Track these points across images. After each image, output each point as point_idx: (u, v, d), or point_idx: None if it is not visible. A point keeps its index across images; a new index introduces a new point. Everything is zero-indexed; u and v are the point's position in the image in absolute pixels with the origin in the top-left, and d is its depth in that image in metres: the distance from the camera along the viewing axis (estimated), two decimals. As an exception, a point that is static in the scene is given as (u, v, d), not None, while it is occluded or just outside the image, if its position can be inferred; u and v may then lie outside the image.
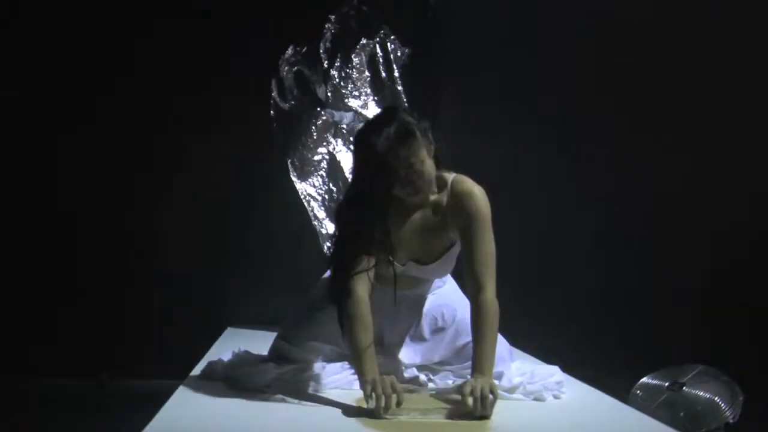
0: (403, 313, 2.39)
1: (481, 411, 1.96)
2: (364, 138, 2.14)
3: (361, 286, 2.14)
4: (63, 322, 3.70)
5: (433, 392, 2.21)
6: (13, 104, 3.75)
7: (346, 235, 2.17)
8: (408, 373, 2.38)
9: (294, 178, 3.55)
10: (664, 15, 3.81)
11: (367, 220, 2.13)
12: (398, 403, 1.96)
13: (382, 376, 2.01)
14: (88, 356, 3.67)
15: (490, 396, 1.98)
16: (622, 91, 3.81)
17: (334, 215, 2.30)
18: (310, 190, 3.57)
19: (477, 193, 2.22)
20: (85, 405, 3.38)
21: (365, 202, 2.12)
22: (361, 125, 2.44)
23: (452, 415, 2.00)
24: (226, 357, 2.45)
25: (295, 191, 3.58)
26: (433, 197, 2.27)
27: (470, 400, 1.96)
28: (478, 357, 2.10)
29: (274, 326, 2.59)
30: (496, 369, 2.21)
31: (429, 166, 2.15)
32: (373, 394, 1.96)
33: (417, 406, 2.04)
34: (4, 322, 3.65)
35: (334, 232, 2.26)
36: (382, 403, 1.95)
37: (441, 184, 2.26)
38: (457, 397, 2.04)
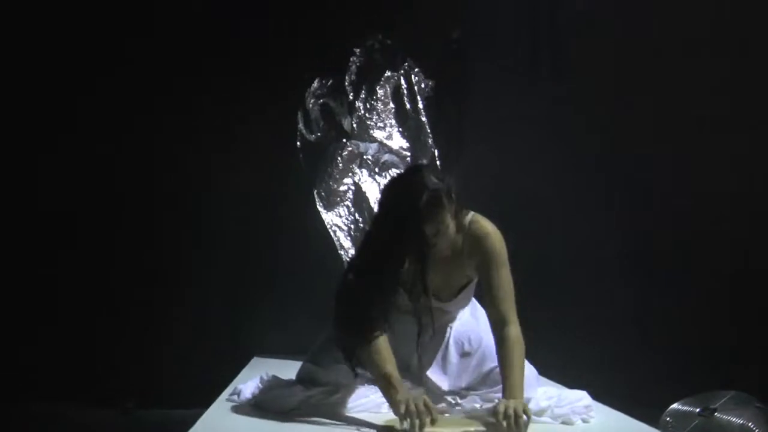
0: (427, 342, 2.40)
1: (514, 430, 1.98)
2: (393, 208, 2.17)
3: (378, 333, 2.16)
4: (88, 351, 3.72)
5: (465, 414, 2.20)
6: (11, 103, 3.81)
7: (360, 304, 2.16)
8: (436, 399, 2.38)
9: (320, 209, 3.59)
10: (686, 33, 3.84)
11: (381, 290, 2.15)
12: (433, 421, 1.98)
13: (414, 395, 2.02)
14: (114, 385, 3.68)
15: (524, 416, 1.99)
16: (643, 111, 3.83)
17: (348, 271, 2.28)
18: (336, 220, 3.60)
19: (492, 233, 2.30)
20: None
21: (383, 272, 2.14)
22: (389, 169, 2.48)
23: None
24: (254, 382, 2.46)
25: (321, 221, 3.61)
26: None
27: (503, 420, 1.98)
28: (509, 384, 2.13)
29: (300, 355, 2.59)
30: (525, 395, 2.23)
31: (452, 227, 2.21)
32: (407, 414, 1.97)
33: (450, 428, 2.04)
34: (27, 348, 3.68)
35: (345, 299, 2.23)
36: (416, 421, 1.96)
37: (458, 224, 2.29)
38: (491, 419, 2.05)
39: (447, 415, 2.11)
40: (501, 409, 2.01)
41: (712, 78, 3.78)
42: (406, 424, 1.99)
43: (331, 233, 3.57)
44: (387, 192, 2.28)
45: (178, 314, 3.80)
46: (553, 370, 2.75)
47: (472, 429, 2.06)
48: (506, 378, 2.14)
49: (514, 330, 2.21)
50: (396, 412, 2.04)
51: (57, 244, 3.81)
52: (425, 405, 2.00)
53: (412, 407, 1.98)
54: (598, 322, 3.61)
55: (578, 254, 3.73)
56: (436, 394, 2.36)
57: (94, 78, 3.83)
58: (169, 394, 3.61)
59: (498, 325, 2.24)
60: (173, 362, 3.73)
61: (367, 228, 2.47)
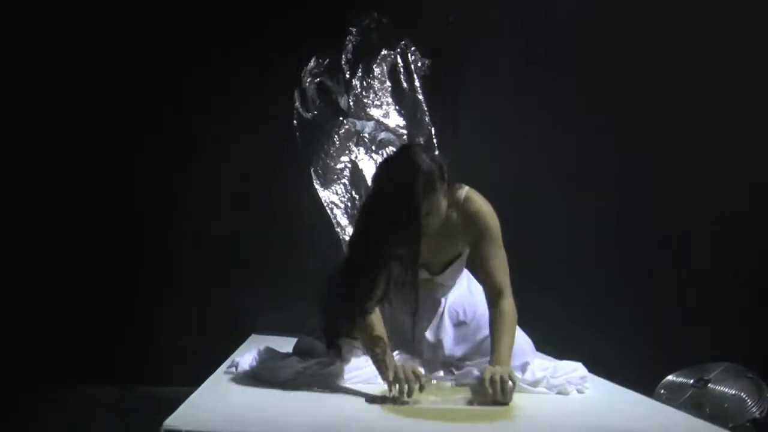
0: (423, 311, 2.42)
1: (500, 396, 2.01)
2: (386, 190, 2.17)
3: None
4: (88, 329, 3.74)
5: (454, 380, 2.22)
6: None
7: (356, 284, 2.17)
8: (432, 368, 2.40)
9: (317, 186, 3.60)
10: (680, 21, 3.84)
11: (376, 271, 2.15)
12: (421, 388, 2.01)
13: (403, 364, 2.05)
14: (115, 363, 3.70)
15: (510, 383, 2.02)
16: (638, 98, 3.83)
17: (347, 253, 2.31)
18: (333, 197, 3.61)
19: (486, 210, 2.34)
20: (112, 411, 3.40)
21: (383, 252, 2.14)
22: (386, 147, 2.48)
23: (473, 402, 2.03)
24: (251, 355, 2.48)
25: (316, 200, 3.62)
26: None
27: (490, 387, 2.01)
28: (497, 351, 2.17)
29: (298, 333, 2.60)
30: (521, 360, 2.31)
31: (443, 207, 2.23)
32: (396, 380, 1.99)
33: (439, 395, 2.06)
34: (32, 330, 3.70)
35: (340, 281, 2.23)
36: (405, 388, 1.99)
37: (452, 201, 2.31)
38: (477, 387, 2.08)
39: (434, 382, 2.13)
40: (487, 375, 2.05)
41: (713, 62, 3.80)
42: (395, 391, 2.01)
43: (328, 211, 3.58)
44: (380, 173, 2.28)
45: (178, 293, 3.81)
46: (548, 347, 2.76)
47: (460, 396, 2.09)
48: (495, 346, 2.19)
49: (508, 302, 2.27)
50: (385, 379, 2.07)
51: (55, 226, 3.82)
52: (413, 372, 2.03)
53: (401, 375, 2.02)
54: (591, 296, 3.63)
55: (573, 229, 3.75)
56: (432, 364, 2.39)
57: (93, 57, 3.83)
58: (168, 372, 3.63)
59: (493, 299, 2.29)
60: (173, 341, 3.74)
61: (359, 209, 2.46)
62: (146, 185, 3.85)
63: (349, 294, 2.17)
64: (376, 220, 2.16)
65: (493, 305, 2.27)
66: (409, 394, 2.00)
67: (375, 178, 2.31)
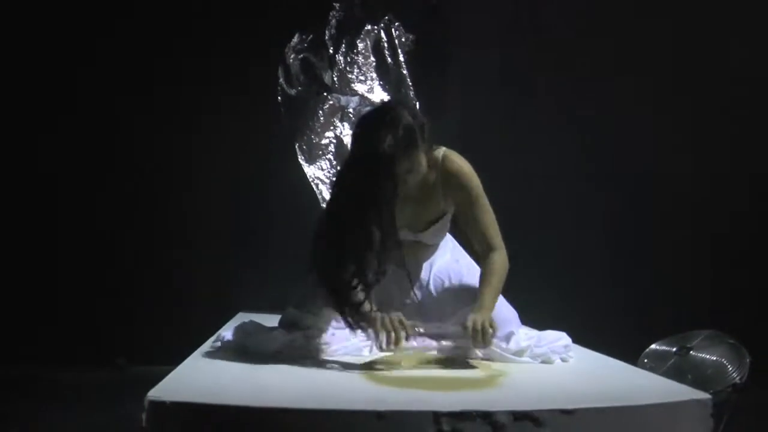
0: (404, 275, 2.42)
1: (481, 342, 2.08)
2: (366, 143, 2.13)
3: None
4: (77, 310, 3.75)
5: (438, 327, 2.25)
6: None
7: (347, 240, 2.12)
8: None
9: (302, 162, 3.60)
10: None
11: (367, 225, 2.10)
12: (407, 336, 2.05)
13: (388, 314, 2.09)
14: (105, 342, 3.71)
15: (490, 329, 2.08)
16: (625, 68, 3.85)
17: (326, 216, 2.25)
18: (318, 173, 3.62)
19: (466, 169, 2.33)
20: (101, 390, 3.41)
21: (364, 209, 2.10)
22: (364, 111, 2.44)
23: (455, 350, 2.13)
24: (237, 330, 2.48)
25: (302, 176, 3.62)
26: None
27: (472, 333, 2.07)
28: (481, 297, 2.21)
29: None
30: (506, 329, 2.29)
31: (423, 164, 2.21)
32: (383, 326, 2.04)
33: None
34: (20, 311, 3.70)
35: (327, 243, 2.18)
36: (392, 335, 2.03)
37: (430, 161, 2.29)
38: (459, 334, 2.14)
39: (420, 329, 2.17)
40: (469, 323, 2.09)
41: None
42: (382, 340, 2.04)
43: (314, 186, 3.59)
44: (360, 128, 2.23)
45: (167, 274, 3.82)
46: (532, 319, 2.78)
47: (444, 343, 2.17)
48: (480, 292, 2.22)
49: (499, 255, 2.30)
50: (371, 327, 2.09)
51: (45, 210, 3.81)
52: (400, 321, 2.07)
53: (387, 322, 2.05)
54: (577, 270, 3.65)
55: (558, 203, 3.77)
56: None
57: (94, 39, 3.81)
58: (158, 351, 3.63)
59: (484, 253, 2.31)
60: (162, 321, 3.76)
61: (339, 167, 2.43)
62: (132, 167, 3.84)
63: (330, 260, 2.14)
64: (355, 174, 2.13)
65: (484, 258, 2.30)
66: (397, 342, 2.04)
67: (355, 131, 2.25)
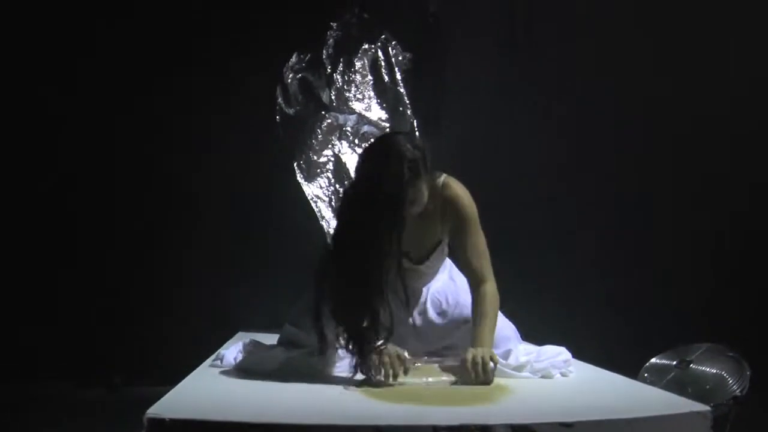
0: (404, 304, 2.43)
1: (482, 377, 2.04)
2: (371, 178, 2.15)
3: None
4: (75, 328, 3.74)
5: (437, 362, 2.24)
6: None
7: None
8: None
9: (301, 180, 3.62)
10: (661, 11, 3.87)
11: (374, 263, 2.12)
12: (405, 371, 2.03)
13: (386, 347, 2.06)
14: (101, 362, 3.70)
15: (491, 364, 2.05)
16: (622, 78, 3.87)
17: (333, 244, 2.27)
18: (317, 191, 3.63)
19: (463, 196, 2.34)
20: (97, 410, 3.40)
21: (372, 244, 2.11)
22: (367, 143, 2.42)
23: (455, 383, 2.06)
24: (237, 347, 2.48)
25: (300, 196, 3.63)
26: None
27: (472, 368, 2.05)
28: (478, 333, 2.20)
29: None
30: (504, 348, 2.32)
31: (425, 193, 2.23)
32: (381, 364, 2.02)
33: (422, 375, 2.08)
34: (16, 328, 3.69)
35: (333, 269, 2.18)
36: (389, 371, 2.02)
37: (430, 187, 2.29)
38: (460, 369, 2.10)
39: (418, 365, 2.15)
40: (469, 356, 2.08)
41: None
42: (380, 375, 2.02)
43: (312, 204, 3.60)
44: (363, 162, 2.26)
45: (165, 293, 3.81)
46: (532, 335, 2.78)
47: (443, 378, 2.11)
48: (476, 328, 2.21)
49: (490, 286, 2.29)
50: (369, 362, 2.07)
51: (42, 228, 3.82)
52: (398, 356, 2.06)
53: (385, 359, 2.04)
54: (576, 285, 3.66)
55: (556, 217, 3.78)
56: (415, 352, 2.39)
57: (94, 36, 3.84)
58: (155, 371, 3.62)
59: (475, 284, 2.31)
60: (159, 340, 3.75)
61: (341, 200, 2.44)
62: (131, 185, 3.85)
63: (337, 290, 2.14)
64: (361, 209, 2.15)
65: (475, 290, 2.30)
66: (394, 377, 2.02)
67: (358, 167, 2.28)
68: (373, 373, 2.04)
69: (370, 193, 2.13)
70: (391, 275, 2.18)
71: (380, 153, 2.22)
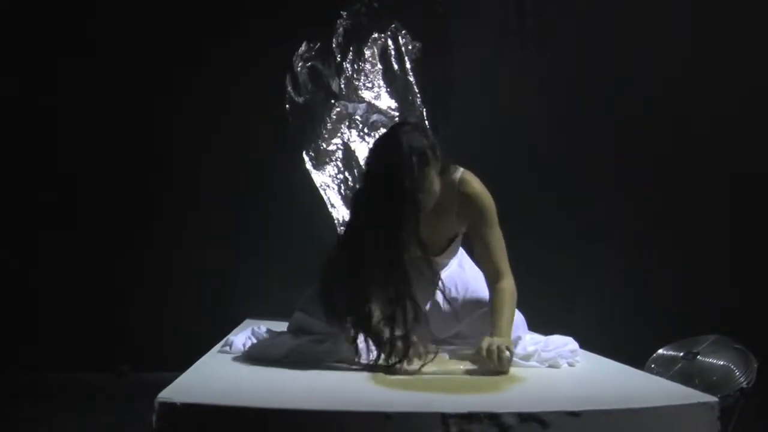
0: (419, 291, 2.44)
1: (498, 366, 2.04)
2: (380, 170, 2.16)
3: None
4: (83, 316, 3.76)
5: (452, 349, 2.25)
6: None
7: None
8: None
9: (310, 168, 3.63)
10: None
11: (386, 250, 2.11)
12: (417, 358, 2.04)
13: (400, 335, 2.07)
14: (108, 349, 3.72)
15: (507, 353, 2.05)
16: (628, 72, 3.86)
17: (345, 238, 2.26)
18: (326, 179, 3.64)
19: (482, 193, 2.34)
20: (105, 397, 3.43)
21: (384, 234, 2.11)
22: (377, 137, 2.42)
23: (470, 372, 2.06)
24: (245, 334, 2.50)
25: (309, 184, 3.64)
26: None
27: (487, 356, 2.05)
28: (496, 324, 2.20)
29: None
30: (513, 337, 2.29)
31: (437, 183, 2.23)
32: (393, 352, 2.03)
33: (436, 365, 2.09)
34: (24, 317, 3.72)
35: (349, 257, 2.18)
36: (413, 359, 2.03)
37: (447, 182, 2.32)
38: (476, 357, 2.11)
39: (441, 354, 2.15)
40: (485, 345, 2.08)
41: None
42: (404, 365, 2.04)
43: (321, 192, 3.61)
44: (373, 154, 2.27)
45: (172, 280, 3.83)
46: (539, 326, 2.79)
47: (460, 367, 2.12)
48: (494, 320, 2.21)
49: (508, 282, 2.30)
50: (383, 351, 2.07)
51: (50, 215, 3.83)
52: (421, 345, 2.07)
53: (410, 347, 2.04)
54: (583, 275, 3.66)
55: (566, 207, 3.77)
56: (425, 341, 2.40)
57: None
58: (163, 358, 3.64)
59: (493, 279, 2.31)
60: (168, 328, 3.77)
61: (353, 195, 2.44)
62: (141, 172, 3.86)
63: (351, 284, 2.14)
64: (372, 203, 2.15)
65: (493, 285, 2.30)
66: (408, 364, 2.04)
67: (367, 161, 2.29)
68: (397, 361, 2.05)
69: (380, 187, 2.14)
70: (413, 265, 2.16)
71: (388, 145, 2.22)
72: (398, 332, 2.08)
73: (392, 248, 2.11)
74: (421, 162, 2.13)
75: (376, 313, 2.11)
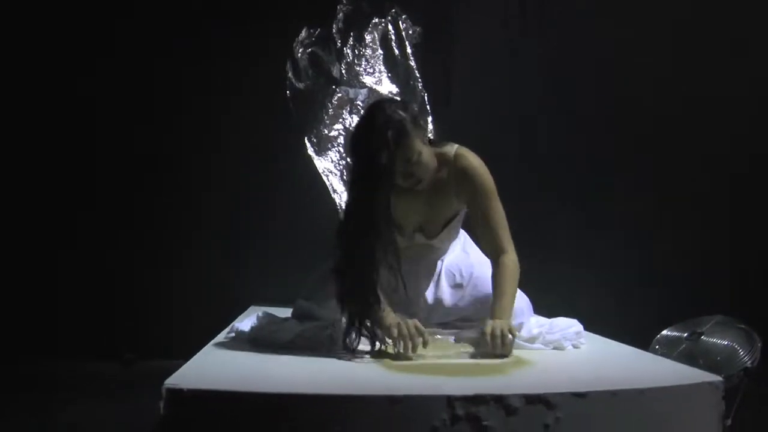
0: (421, 274, 2.46)
1: (500, 349, 2.03)
2: (359, 146, 2.15)
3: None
4: (88, 305, 3.77)
5: (456, 333, 2.25)
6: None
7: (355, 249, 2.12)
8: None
9: (312, 154, 3.63)
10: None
11: (373, 232, 2.10)
12: (424, 343, 2.03)
13: (405, 320, 2.07)
14: (113, 337, 3.74)
15: (510, 336, 2.04)
16: (626, 65, 3.84)
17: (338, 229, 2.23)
18: (328, 165, 3.65)
19: (479, 167, 2.31)
20: (112, 385, 3.44)
21: (370, 211, 2.10)
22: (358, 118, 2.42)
23: (474, 356, 2.06)
24: (251, 320, 2.50)
25: (311, 170, 3.64)
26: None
27: (490, 340, 2.04)
28: (497, 305, 2.19)
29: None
30: (517, 320, 2.31)
31: (426, 154, 2.20)
32: (399, 336, 2.03)
33: (440, 350, 2.09)
34: (29, 304, 3.72)
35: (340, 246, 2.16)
36: (409, 343, 2.02)
37: (442, 159, 2.30)
38: (478, 341, 2.11)
39: (438, 337, 2.15)
40: (488, 329, 2.07)
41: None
42: (399, 347, 2.04)
43: (324, 178, 3.62)
44: (353, 134, 2.25)
45: (177, 267, 3.83)
46: (543, 308, 2.80)
47: (461, 350, 2.12)
48: (496, 300, 2.20)
49: (510, 257, 2.27)
50: (388, 335, 2.08)
51: (54, 204, 3.84)
52: (416, 328, 2.05)
53: (404, 331, 2.04)
54: (587, 257, 3.66)
55: (568, 190, 3.77)
56: (430, 326, 2.41)
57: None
58: (169, 346, 3.65)
59: (495, 255, 2.29)
60: (172, 315, 3.78)
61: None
62: (144, 159, 3.86)
63: (349, 262, 2.14)
64: (353, 183, 2.16)
65: (495, 261, 2.28)
66: (413, 350, 2.03)
67: (350, 138, 2.30)
68: (393, 347, 2.05)
69: (362, 162, 2.13)
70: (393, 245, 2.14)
71: (365, 121, 2.20)
72: (366, 319, 2.07)
73: (366, 227, 2.09)
74: (400, 134, 2.10)
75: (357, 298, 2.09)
